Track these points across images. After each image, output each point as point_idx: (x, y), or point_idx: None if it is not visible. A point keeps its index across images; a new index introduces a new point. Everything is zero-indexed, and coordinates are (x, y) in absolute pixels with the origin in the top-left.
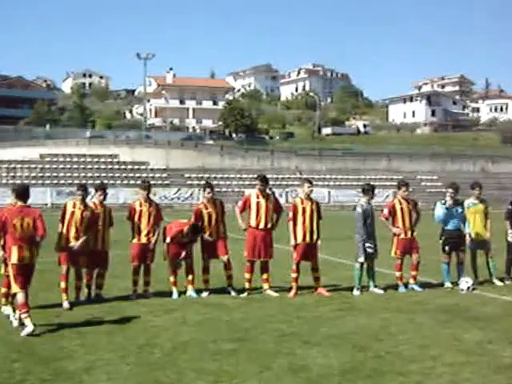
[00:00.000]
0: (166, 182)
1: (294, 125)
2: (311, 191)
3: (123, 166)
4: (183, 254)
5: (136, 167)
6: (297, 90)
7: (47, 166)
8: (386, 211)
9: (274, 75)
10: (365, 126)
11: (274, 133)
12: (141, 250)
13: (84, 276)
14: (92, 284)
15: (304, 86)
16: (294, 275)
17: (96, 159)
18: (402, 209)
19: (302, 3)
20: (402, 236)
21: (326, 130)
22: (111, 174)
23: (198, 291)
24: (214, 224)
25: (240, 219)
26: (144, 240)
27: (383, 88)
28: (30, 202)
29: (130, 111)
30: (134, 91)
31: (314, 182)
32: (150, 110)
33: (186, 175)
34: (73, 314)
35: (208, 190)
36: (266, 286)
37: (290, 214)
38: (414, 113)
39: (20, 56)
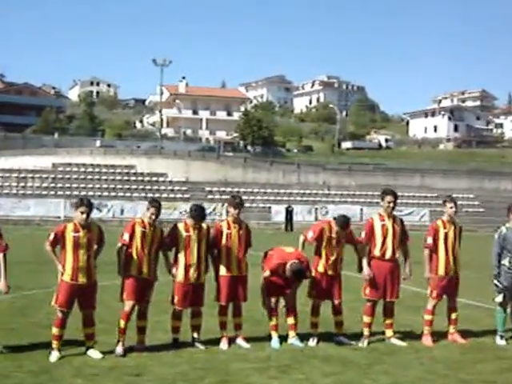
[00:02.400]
0: (186, 195)
1: (311, 138)
2: (455, 212)
3: (140, 178)
4: (285, 291)
5: (154, 179)
6: (311, 102)
7: (60, 176)
8: None
9: (287, 86)
10: (386, 140)
11: (291, 146)
12: (231, 285)
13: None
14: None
15: (318, 99)
16: (428, 317)
17: (112, 170)
18: None
19: (317, 13)
20: None
21: (346, 144)
22: (128, 186)
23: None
24: (334, 253)
25: (365, 254)
26: (235, 272)
27: (400, 102)
28: (42, 213)
29: (141, 121)
30: (144, 101)
31: (343, 199)
32: (162, 119)
33: (207, 189)
34: (159, 373)
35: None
36: (389, 332)
37: (429, 240)
38: (435, 128)
39: (25, 63)
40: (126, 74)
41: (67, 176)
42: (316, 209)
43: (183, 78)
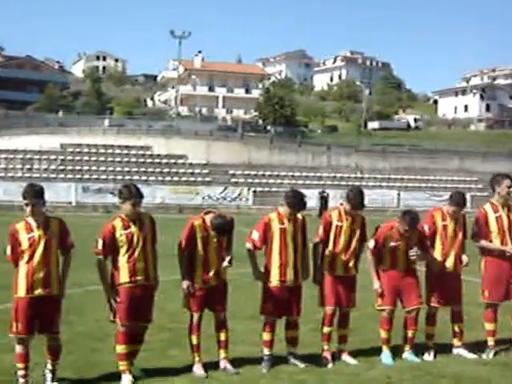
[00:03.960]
0: (207, 178)
1: (334, 117)
2: None
3: (157, 160)
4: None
5: (172, 161)
6: (332, 79)
7: (69, 158)
8: None
9: (307, 62)
10: (416, 120)
11: (314, 126)
12: (336, 288)
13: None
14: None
15: (340, 75)
16: None
17: (126, 151)
18: None
19: None
20: None
21: (373, 124)
22: (143, 169)
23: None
24: (453, 244)
25: (490, 244)
26: (340, 271)
27: (426, 79)
28: (51, 198)
29: (152, 98)
30: (155, 77)
31: (377, 183)
32: (175, 97)
33: (230, 172)
34: None
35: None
36: None
37: None
38: (466, 107)
39: (26, 35)
40: (135, 48)
41: (77, 158)
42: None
43: (199, 52)
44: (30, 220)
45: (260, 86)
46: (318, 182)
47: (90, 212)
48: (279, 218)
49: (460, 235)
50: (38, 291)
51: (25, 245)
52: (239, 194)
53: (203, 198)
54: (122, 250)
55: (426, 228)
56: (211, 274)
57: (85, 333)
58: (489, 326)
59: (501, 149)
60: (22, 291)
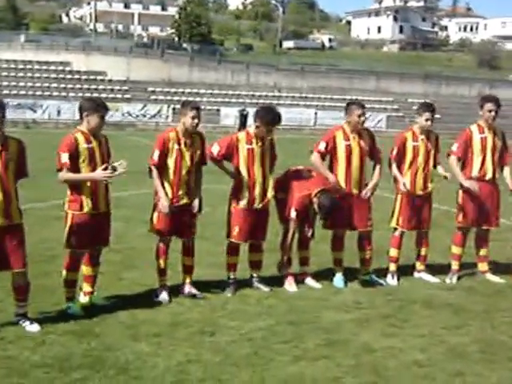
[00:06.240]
0: (127, 95)
1: (249, 36)
2: None
3: (77, 76)
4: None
5: (92, 77)
6: None
7: None
8: None
9: None
10: (330, 40)
11: (229, 44)
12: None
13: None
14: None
15: None
16: None
17: (45, 67)
18: None
19: None
20: None
21: (288, 44)
22: (63, 85)
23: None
24: (424, 164)
25: (457, 169)
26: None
27: (338, 0)
28: None
29: (67, 14)
30: None
31: (295, 102)
32: (90, 13)
33: (150, 89)
34: (241, 331)
35: (425, 111)
36: (484, 266)
37: None
38: (379, 29)
39: None
40: None
41: None
42: None
43: None
44: None
45: (176, 3)
46: (237, 99)
47: (10, 127)
48: (248, 139)
49: (431, 158)
50: None
51: None
52: (158, 111)
53: (123, 115)
54: (85, 166)
55: (394, 151)
56: (181, 192)
57: (32, 255)
58: (456, 250)
59: (415, 70)
60: None
